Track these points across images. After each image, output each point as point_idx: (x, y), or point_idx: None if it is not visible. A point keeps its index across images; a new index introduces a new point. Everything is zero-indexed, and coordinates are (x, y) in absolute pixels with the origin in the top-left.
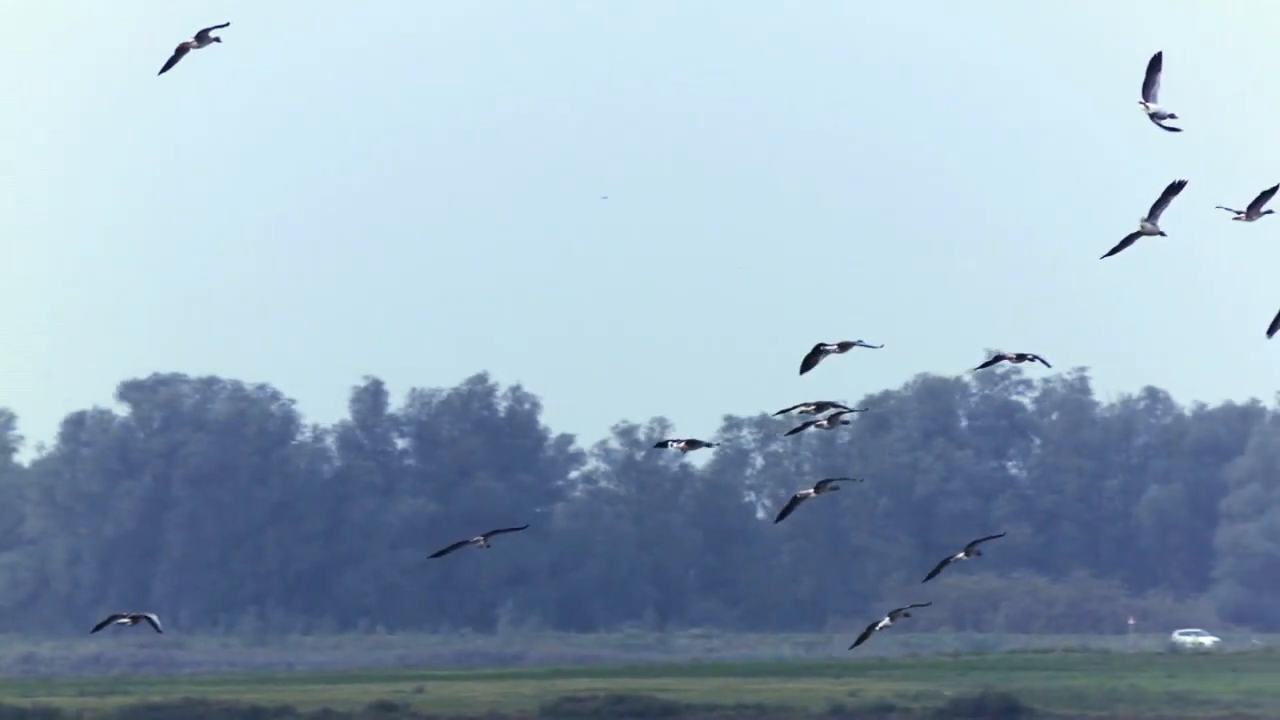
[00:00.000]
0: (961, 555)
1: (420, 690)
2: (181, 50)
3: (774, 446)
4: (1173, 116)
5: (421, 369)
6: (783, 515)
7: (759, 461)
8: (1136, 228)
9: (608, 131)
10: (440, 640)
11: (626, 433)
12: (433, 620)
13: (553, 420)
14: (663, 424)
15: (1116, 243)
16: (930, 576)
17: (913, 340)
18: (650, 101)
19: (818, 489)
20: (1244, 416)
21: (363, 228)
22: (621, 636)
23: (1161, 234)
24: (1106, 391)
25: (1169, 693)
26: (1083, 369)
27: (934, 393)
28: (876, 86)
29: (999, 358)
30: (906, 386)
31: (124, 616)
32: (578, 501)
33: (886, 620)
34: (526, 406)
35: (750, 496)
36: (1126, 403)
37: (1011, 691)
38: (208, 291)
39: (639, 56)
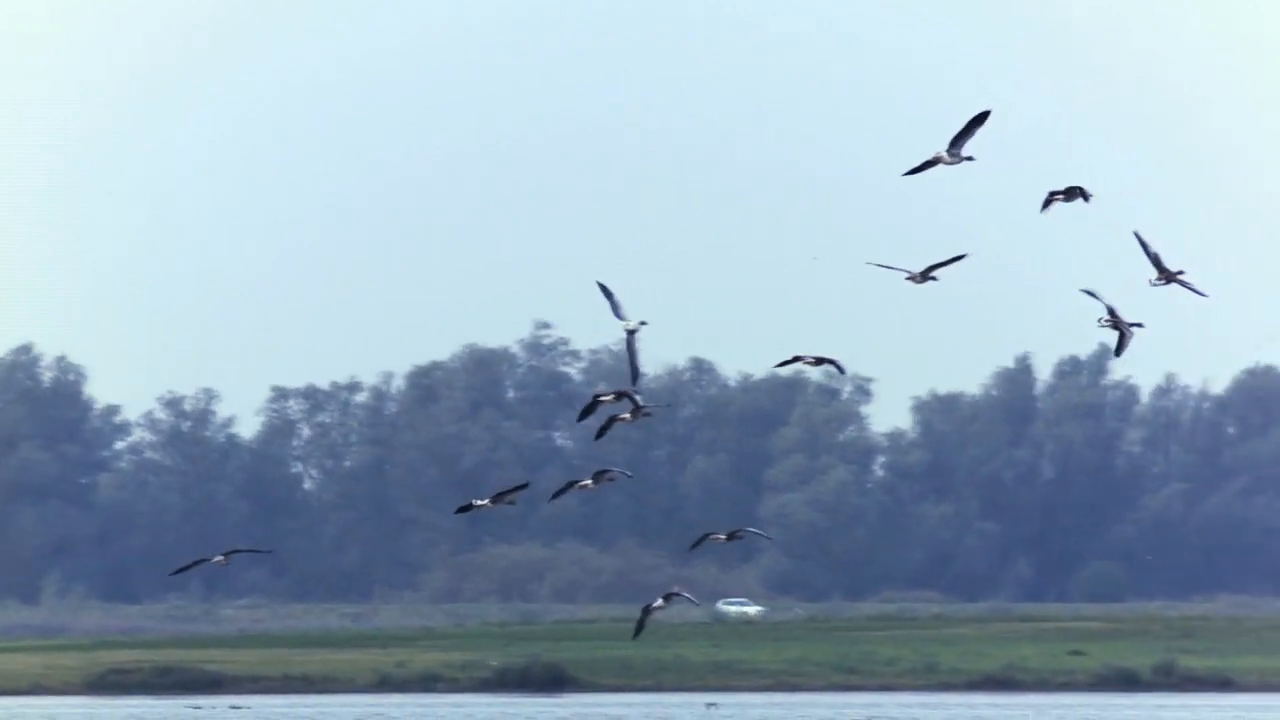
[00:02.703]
0: (721, 537)
1: None
2: None
3: (321, 417)
4: (970, 159)
5: None
6: (557, 495)
7: (306, 432)
8: (934, 155)
9: (148, 100)
10: None
11: (173, 403)
12: None
13: (98, 390)
14: (210, 394)
15: (917, 164)
16: (695, 545)
17: (460, 311)
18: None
19: (595, 479)
20: (789, 387)
21: None
22: (167, 607)
23: (970, 158)
24: (654, 362)
25: (714, 662)
26: None
27: (481, 363)
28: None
29: (796, 359)
30: (454, 357)
31: None
32: (124, 472)
33: (660, 602)
34: (71, 377)
35: (298, 467)
36: (673, 373)
37: (558, 661)
38: None
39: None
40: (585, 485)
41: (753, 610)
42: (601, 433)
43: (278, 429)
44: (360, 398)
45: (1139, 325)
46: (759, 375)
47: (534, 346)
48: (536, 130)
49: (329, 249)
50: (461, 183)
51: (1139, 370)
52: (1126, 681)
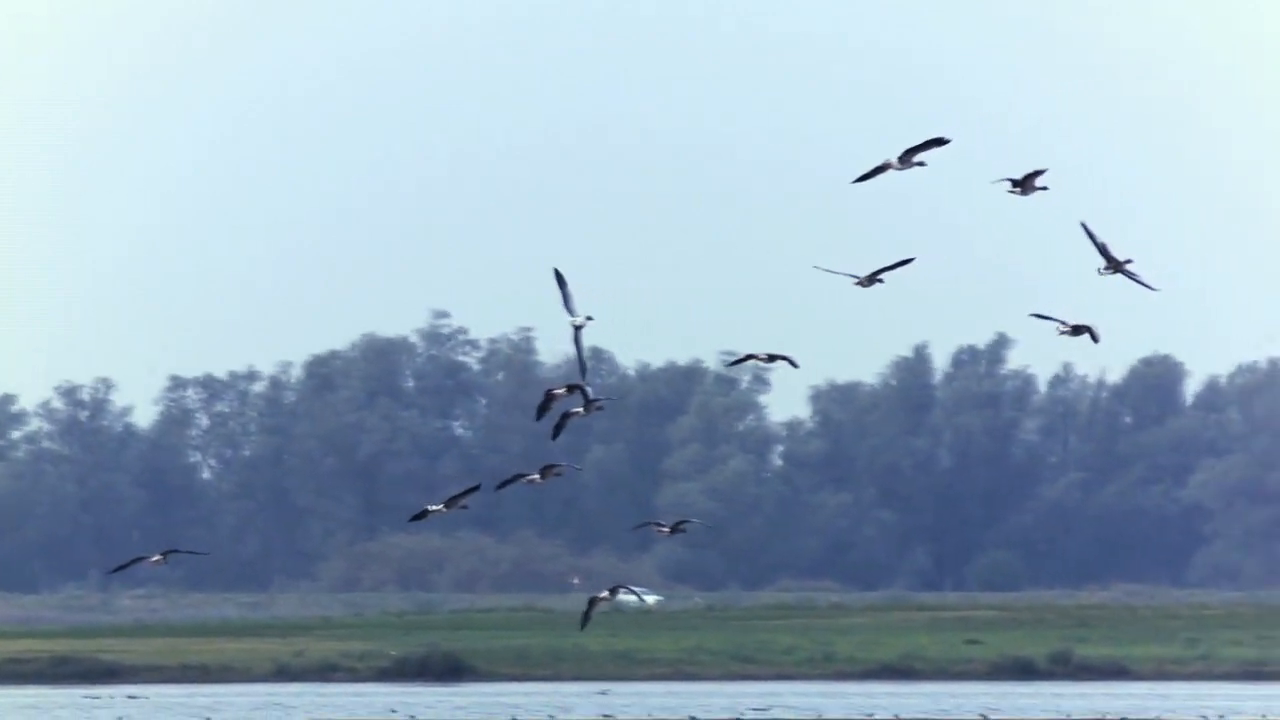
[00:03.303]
0: (665, 529)
1: None
2: None
3: (219, 407)
4: (922, 164)
5: None
6: (502, 486)
7: (203, 421)
8: (884, 162)
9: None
10: None
11: (69, 392)
12: None
13: None
14: (107, 384)
15: (867, 170)
16: (638, 527)
17: (358, 300)
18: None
19: (542, 474)
20: (687, 376)
21: None
22: (64, 597)
23: (921, 164)
24: (551, 352)
25: (611, 651)
26: (528, 329)
27: (379, 352)
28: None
29: (749, 357)
30: (352, 346)
31: None
32: (20, 462)
33: (606, 594)
34: None
35: (195, 456)
36: (570, 362)
37: (456, 651)
38: None
39: None
40: (533, 479)
41: (651, 599)
42: (557, 431)
43: (175, 418)
44: (258, 387)
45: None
46: (657, 365)
47: (432, 336)
48: (435, 122)
49: (224, 239)
50: (359, 172)
51: (1036, 360)
52: (1023, 670)
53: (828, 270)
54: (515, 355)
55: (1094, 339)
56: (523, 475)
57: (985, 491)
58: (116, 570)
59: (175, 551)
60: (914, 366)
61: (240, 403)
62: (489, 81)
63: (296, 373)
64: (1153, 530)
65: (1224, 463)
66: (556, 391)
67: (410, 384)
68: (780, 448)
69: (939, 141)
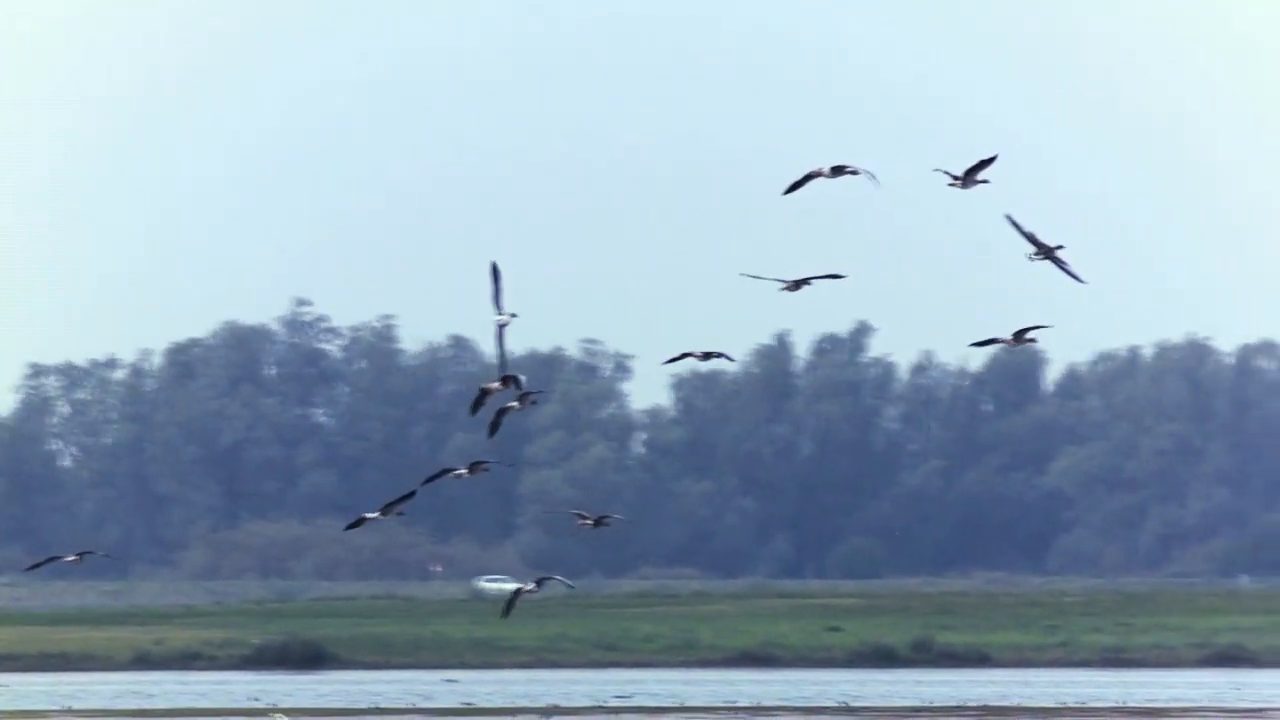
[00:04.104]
0: (589, 522)
1: None
2: None
3: (79, 394)
4: (855, 174)
5: None
6: (429, 480)
7: (63, 409)
8: (814, 169)
9: None
10: None
11: None
12: None
13: None
14: None
15: (798, 179)
16: (562, 513)
17: (218, 287)
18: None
19: (470, 469)
20: (547, 365)
21: None
22: None
23: (854, 173)
24: (412, 339)
25: (473, 639)
26: (390, 317)
27: (241, 340)
28: None
29: (685, 354)
30: (213, 334)
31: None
32: None
33: (531, 586)
34: None
35: (55, 444)
36: (433, 351)
37: (317, 639)
38: None
39: None
40: (460, 474)
41: (512, 587)
42: (495, 428)
43: (34, 406)
44: (118, 375)
45: (1041, 328)
46: (519, 352)
47: (293, 323)
48: (295, 108)
49: (82, 224)
50: (219, 158)
51: (897, 348)
52: (884, 657)
53: (754, 276)
54: (377, 343)
55: (1040, 329)
56: (450, 470)
57: (846, 479)
58: (32, 568)
59: (90, 553)
60: (775, 354)
61: (101, 390)
62: (357, 70)
63: (157, 360)
64: (1013, 517)
65: (1084, 450)
66: (490, 386)
67: (271, 371)
68: (642, 435)
69: (866, 175)
